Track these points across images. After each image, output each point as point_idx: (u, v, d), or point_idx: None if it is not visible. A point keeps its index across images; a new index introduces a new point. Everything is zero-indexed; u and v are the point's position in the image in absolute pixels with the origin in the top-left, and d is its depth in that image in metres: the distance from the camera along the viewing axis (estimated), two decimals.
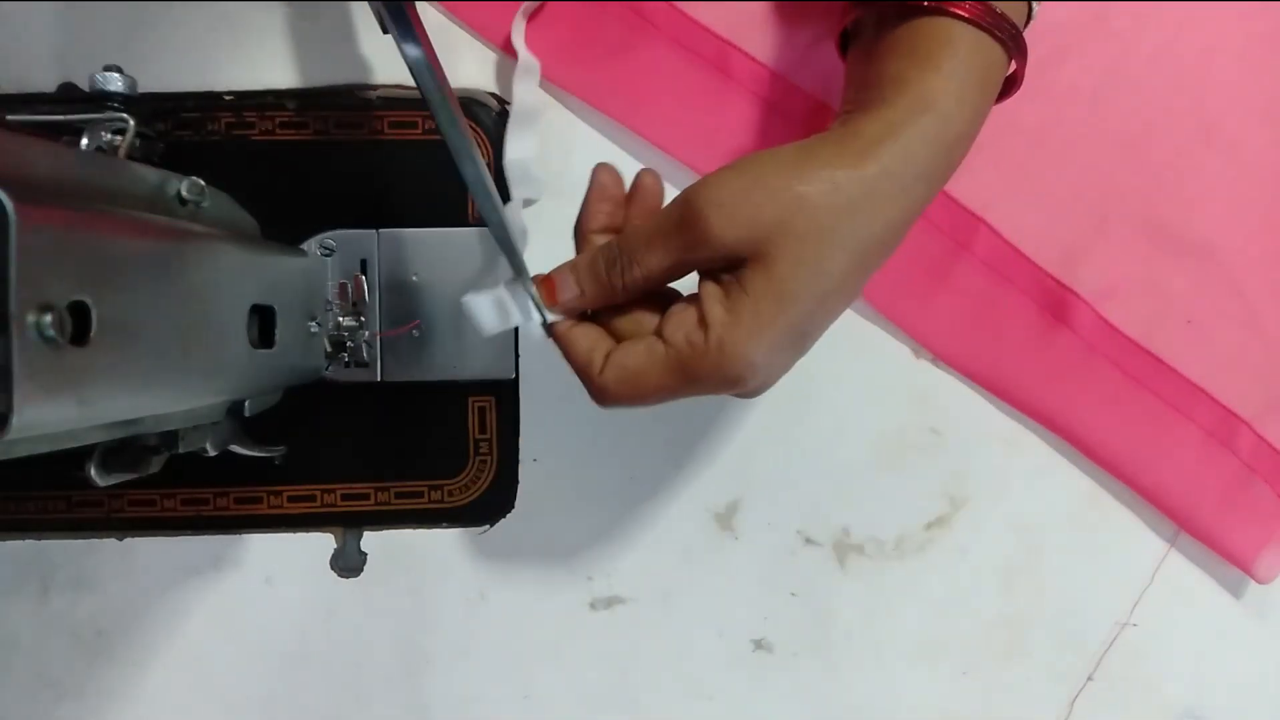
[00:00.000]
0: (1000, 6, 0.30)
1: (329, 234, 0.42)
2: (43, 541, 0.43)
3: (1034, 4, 0.32)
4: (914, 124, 0.29)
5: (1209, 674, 0.45)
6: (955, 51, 0.30)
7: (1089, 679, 0.45)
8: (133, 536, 0.43)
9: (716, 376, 0.29)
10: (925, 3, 0.30)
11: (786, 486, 0.44)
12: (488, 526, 0.44)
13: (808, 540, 0.44)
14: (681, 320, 0.30)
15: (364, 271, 0.42)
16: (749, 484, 0.44)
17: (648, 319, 0.32)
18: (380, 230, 0.42)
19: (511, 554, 0.44)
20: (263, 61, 0.43)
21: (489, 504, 0.43)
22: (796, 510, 0.44)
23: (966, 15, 0.30)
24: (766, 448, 0.44)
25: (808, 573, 0.44)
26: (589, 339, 0.31)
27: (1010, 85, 0.33)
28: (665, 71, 0.42)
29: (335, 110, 0.42)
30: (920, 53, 0.30)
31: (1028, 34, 0.32)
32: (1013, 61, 0.32)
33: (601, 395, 0.31)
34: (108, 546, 0.43)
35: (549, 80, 0.43)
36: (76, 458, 0.30)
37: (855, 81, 0.32)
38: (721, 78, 0.42)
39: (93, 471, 0.31)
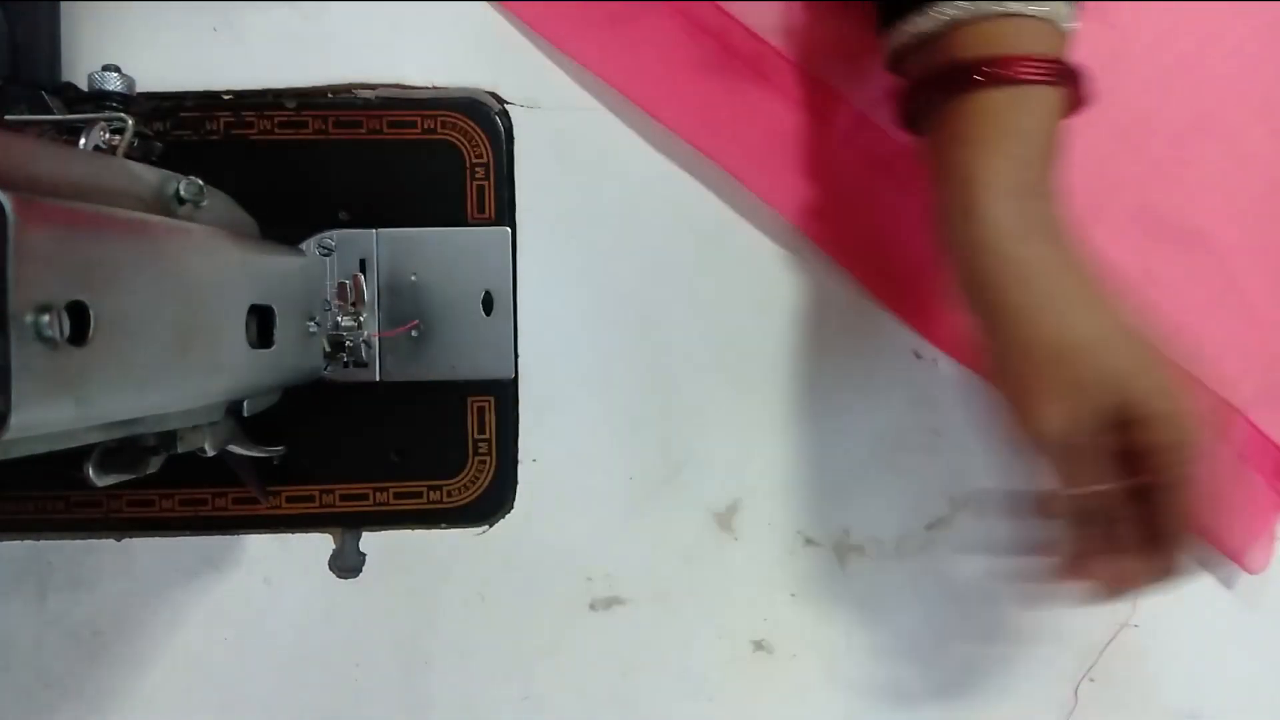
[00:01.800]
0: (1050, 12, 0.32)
1: (328, 234, 0.42)
2: (41, 542, 0.42)
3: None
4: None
5: (1210, 675, 0.45)
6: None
7: (1090, 680, 0.44)
8: (131, 537, 0.43)
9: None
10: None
11: (786, 486, 0.44)
12: (487, 526, 0.43)
13: (808, 540, 0.44)
14: None
15: (363, 271, 0.42)
16: (749, 484, 0.44)
17: None
18: (379, 230, 0.42)
19: (511, 554, 0.43)
20: (262, 61, 0.42)
21: (488, 504, 0.43)
22: (796, 510, 0.44)
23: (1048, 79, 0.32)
24: (766, 448, 0.44)
25: (808, 573, 0.44)
26: None
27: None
28: (684, 63, 0.42)
29: (334, 110, 0.42)
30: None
31: None
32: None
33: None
34: (106, 547, 0.43)
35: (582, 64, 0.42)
36: (74, 458, 0.30)
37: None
38: (755, 76, 0.42)
39: (91, 472, 0.31)
